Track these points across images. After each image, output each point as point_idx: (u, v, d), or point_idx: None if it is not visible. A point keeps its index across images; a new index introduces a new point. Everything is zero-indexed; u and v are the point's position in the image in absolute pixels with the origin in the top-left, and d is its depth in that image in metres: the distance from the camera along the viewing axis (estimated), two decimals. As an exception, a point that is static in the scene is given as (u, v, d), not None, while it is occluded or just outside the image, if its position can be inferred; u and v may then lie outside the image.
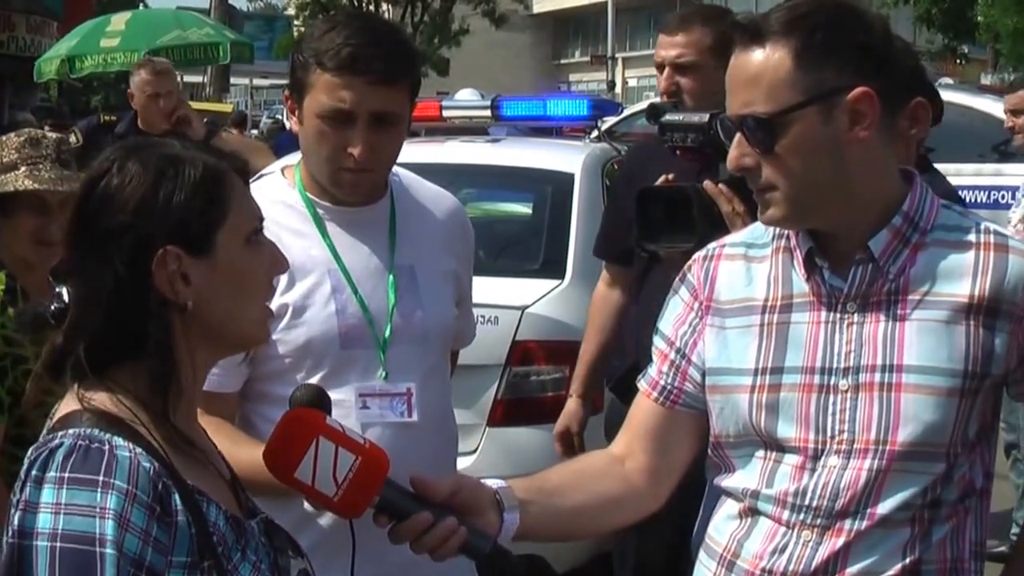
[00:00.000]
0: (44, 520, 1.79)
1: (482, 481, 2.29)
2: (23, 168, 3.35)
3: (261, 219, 2.05)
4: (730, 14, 4.09)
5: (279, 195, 2.94)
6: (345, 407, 2.76)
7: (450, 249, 3.06)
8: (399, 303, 2.90)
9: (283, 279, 2.76)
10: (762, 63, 2.20)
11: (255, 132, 28.97)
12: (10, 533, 1.81)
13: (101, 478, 1.81)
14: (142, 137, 1.96)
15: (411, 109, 2.90)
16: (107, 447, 1.85)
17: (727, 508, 2.43)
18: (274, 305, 2.64)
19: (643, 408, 2.51)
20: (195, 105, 14.61)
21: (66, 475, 1.81)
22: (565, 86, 69.25)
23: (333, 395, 2.61)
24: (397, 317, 2.89)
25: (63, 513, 1.79)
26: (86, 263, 1.94)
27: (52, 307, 1.98)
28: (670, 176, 3.51)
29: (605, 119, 7.96)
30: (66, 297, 1.97)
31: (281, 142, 12.81)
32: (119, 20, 14.40)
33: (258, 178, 3.06)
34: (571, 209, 5.75)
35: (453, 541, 2.15)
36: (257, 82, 47.61)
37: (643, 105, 15.71)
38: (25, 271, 3.39)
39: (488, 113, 6.80)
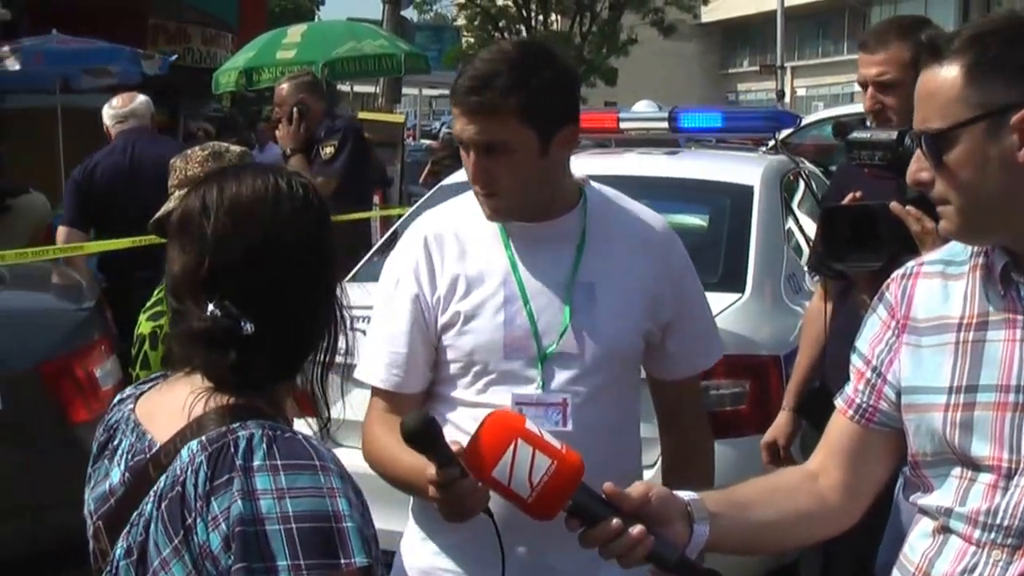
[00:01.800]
0: (267, 506, 1.87)
1: (674, 492, 2.32)
2: None
3: None
4: (927, 23, 4.00)
5: (475, 208, 3.01)
6: None
7: (648, 268, 3.03)
8: (572, 318, 2.93)
9: (461, 288, 2.95)
10: (939, 79, 2.21)
11: (426, 142, 29.21)
12: (228, 517, 1.87)
13: (317, 462, 1.92)
14: None
15: (542, 132, 2.87)
16: (299, 436, 1.97)
17: (922, 526, 2.40)
18: (449, 312, 2.95)
19: (839, 425, 2.50)
20: (367, 115, 14.75)
21: (279, 462, 1.90)
22: (732, 95, 68.81)
23: (493, 401, 2.88)
24: (566, 333, 2.93)
25: (288, 497, 1.87)
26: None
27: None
28: (857, 194, 3.47)
29: (782, 130, 7.87)
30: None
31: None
32: (295, 32, 14.52)
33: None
34: (750, 222, 5.71)
35: (640, 549, 2.19)
36: (427, 92, 48.05)
37: (817, 116, 15.56)
38: None
39: (665, 125, 6.77)
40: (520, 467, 2.17)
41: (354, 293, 5.80)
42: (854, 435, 2.46)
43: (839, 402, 2.51)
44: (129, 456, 2.06)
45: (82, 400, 5.32)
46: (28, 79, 13.67)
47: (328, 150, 7.33)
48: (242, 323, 1.97)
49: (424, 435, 2.30)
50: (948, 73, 2.19)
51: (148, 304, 3.55)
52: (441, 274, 2.97)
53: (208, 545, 1.89)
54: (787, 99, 45.39)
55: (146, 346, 3.45)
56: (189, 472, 1.93)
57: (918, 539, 2.39)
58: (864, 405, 2.44)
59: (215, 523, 1.89)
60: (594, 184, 3.09)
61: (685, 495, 2.34)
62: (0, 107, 14.83)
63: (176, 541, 1.92)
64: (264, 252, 2.02)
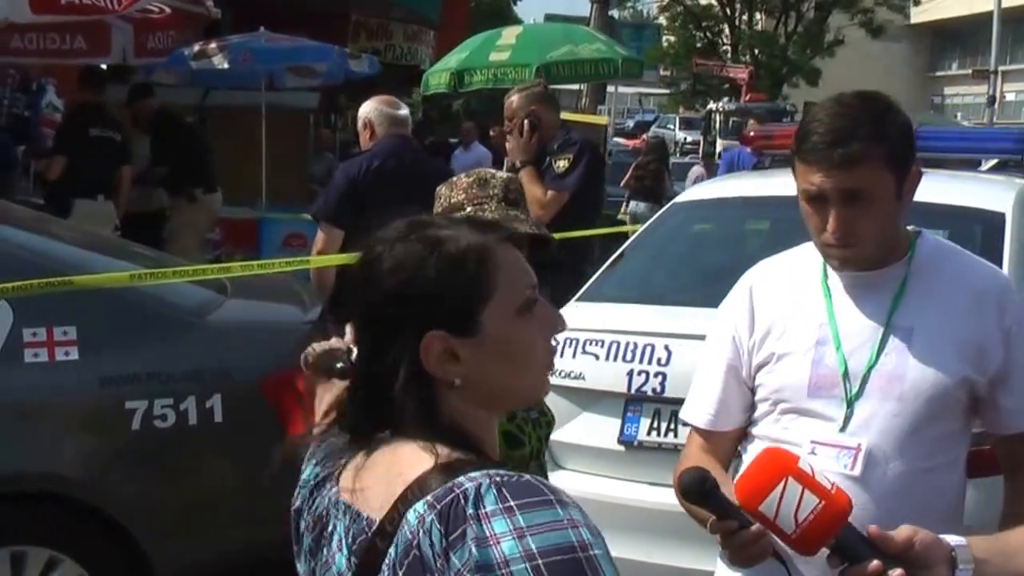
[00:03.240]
0: (509, 547, 1.78)
1: (940, 537, 2.32)
2: (468, 209, 3.30)
3: (534, 286, 2.06)
4: None
5: (805, 254, 3.11)
6: (796, 452, 2.83)
7: (972, 317, 2.96)
8: (882, 361, 2.94)
9: (777, 330, 3.05)
10: None
11: (620, 141, 29.06)
12: (472, 570, 1.79)
13: (551, 497, 1.84)
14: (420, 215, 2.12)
15: (899, 178, 2.90)
16: (529, 478, 1.88)
17: None
18: (764, 353, 3.06)
19: None
20: (569, 116, 14.64)
21: (512, 503, 1.82)
22: (938, 99, 67.30)
23: (792, 439, 2.95)
24: (875, 374, 2.94)
25: (529, 535, 1.78)
26: (370, 336, 2.05)
27: (340, 364, 2.18)
28: None
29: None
30: (354, 358, 2.10)
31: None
32: (510, 34, 14.36)
33: None
34: (1002, 251, 5.34)
35: None
36: (622, 90, 48.00)
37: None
38: None
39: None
40: (787, 504, 2.27)
41: (581, 313, 5.68)
42: None
43: None
44: (349, 539, 2.00)
45: (302, 416, 5.23)
46: (234, 77, 13.84)
47: (562, 163, 7.13)
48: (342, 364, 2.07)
49: (698, 492, 2.37)
50: None
51: None
52: (761, 319, 3.09)
53: None
54: (996, 105, 44.21)
55: None
56: (422, 534, 1.85)
57: None
58: None
59: None
60: (931, 236, 3.08)
61: (952, 540, 2.32)
62: (203, 104, 14.98)
63: None
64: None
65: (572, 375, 5.27)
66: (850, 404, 2.93)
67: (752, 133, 8.19)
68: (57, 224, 6.99)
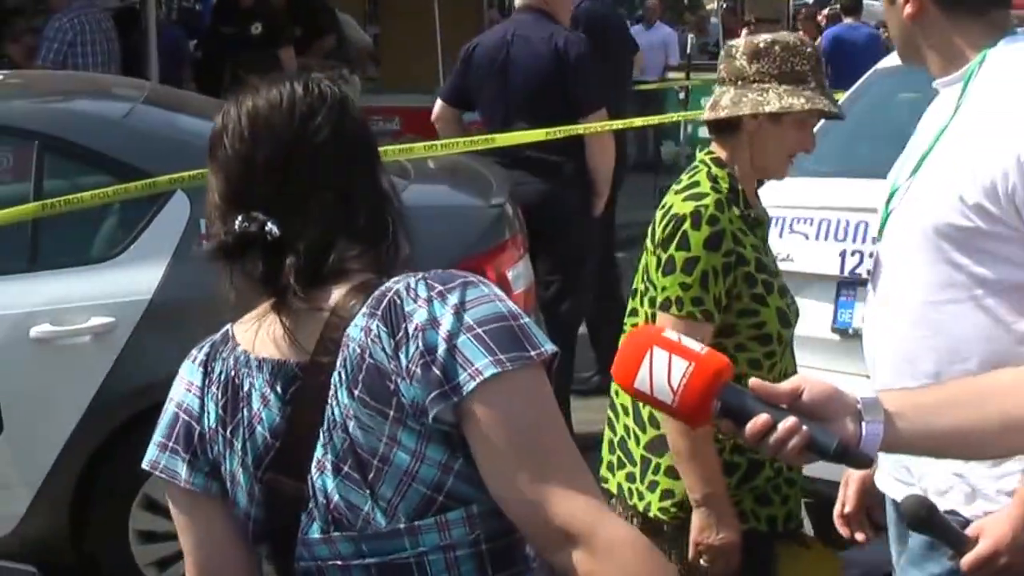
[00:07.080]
0: (450, 324, 1.90)
1: (843, 389, 2.25)
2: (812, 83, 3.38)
3: None
4: None
5: None
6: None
7: (1008, 142, 2.68)
8: (912, 183, 2.84)
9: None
10: None
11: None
12: (420, 357, 1.89)
13: (473, 279, 1.98)
14: None
15: None
16: (439, 270, 2.00)
17: None
18: None
19: None
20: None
21: (442, 287, 1.95)
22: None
23: None
24: (897, 196, 2.89)
25: (465, 310, 1.92)
26: None
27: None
28: None
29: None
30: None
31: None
32: None
33: None
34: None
35: (797, 441, 2.14)
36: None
37: None
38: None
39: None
40: (659, 373, 2.18)
41: (784, 188, 5.27)
42: None
43: None
44: (277, 390, 2.03)
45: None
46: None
47: None
48: (267, 228, 1.99)
49: (919, 520, 2.40)
50: None
51: (680, 187, 3.41)
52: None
53: (417, 401, 1.90)
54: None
55: (686, 225, 3.29)
56: (370, 343, 1.94)
57: None
58: None
59: (409, 373, 1.91)
60: (1013, 46, 2.80)
61: (860, 392, 2.27)
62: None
63: (392, 412, 1.92)
64: (284, 160, 2.05)
65: (779, 257, 4.88)
66: (883, 224, 2.95)
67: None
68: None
